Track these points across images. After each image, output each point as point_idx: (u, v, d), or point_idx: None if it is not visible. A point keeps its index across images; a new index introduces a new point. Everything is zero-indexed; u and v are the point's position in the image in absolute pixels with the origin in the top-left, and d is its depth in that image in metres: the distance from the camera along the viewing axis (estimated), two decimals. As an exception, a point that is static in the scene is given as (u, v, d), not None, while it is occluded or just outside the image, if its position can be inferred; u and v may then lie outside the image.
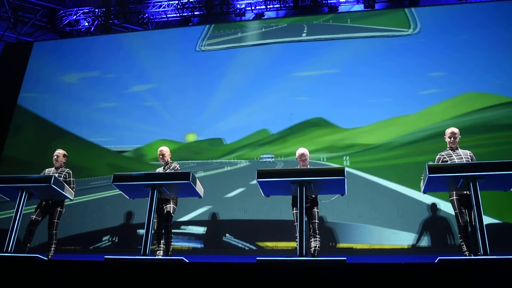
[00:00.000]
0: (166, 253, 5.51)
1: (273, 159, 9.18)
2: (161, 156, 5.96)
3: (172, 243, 5.58)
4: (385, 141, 8.77)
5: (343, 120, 9.22)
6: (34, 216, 5.69)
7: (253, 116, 9.54)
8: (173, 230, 5.64)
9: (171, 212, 5.65)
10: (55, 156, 6.05)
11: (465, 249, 4.92)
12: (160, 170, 5.97)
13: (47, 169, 6.09)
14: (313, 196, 5.43)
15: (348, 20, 10.22)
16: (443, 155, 5.27)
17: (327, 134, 9.22)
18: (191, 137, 9.64)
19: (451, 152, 5.25)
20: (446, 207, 7.44)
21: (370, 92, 9.13)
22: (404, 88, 9.04)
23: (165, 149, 6.01)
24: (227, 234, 8.35)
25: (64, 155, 6.12)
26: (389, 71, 9.21)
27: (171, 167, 5.91)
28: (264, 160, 9.17)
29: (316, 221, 5.41)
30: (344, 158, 8.78)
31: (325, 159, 8.88)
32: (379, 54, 9.44)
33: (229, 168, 9.26)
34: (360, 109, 9.13)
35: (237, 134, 9.52)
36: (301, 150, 5.67)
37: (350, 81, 9.35)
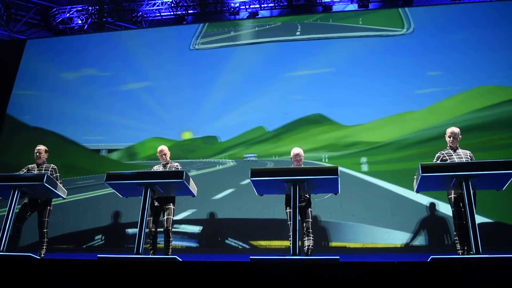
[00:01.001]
0: (166, 254, 5.49)
1: (256, 158, 9.17)
2: (163, 156, 5.92)
3: (171, 247, 5.57)
4: (393, 139, 8.65)
5: (343, 117, 9.06)
6: (21, 214, 5.60)
7: (248, 114, 9.49)
8: (159, 229, 5.62)
9: (172, 214, 5.64)
10: (37, 153, 5.94)
11: (459, 247, 4.96)
12: (158, 168, 5.94)
13: (30, 165, 5.97)
14: (308, 195, 5.44)
15: (334, 20, 10.26)
16: (443, 154, 5.31)
17: (326, 131, 9.03)
18: (187, 135, 9.61)
19: (451, 151, 5.29)
20: (440, 206, 7.49)
21: (367, 91, 9.08)
22: (401, 87, 8.99)
23: (166, 148, 5.98)
24: (220, 233, 8.34)
25: (46, 151, 6.00)
26: (385, 70, 9.19)
27: (174, 166, 5.88)
28: (248, 159, 9.15)
29: (310, 220, 5.42)
30: (362, 160, 8.60)
31: (326, 159, 8.75)
32: (374, 53, 9.43)
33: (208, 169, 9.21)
34: (359, 106, 9.02)
35: (232, 132, 9.45)
36: (296, 150, 5.65)
37: (346, 79, 9.30)
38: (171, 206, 5.65)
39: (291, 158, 5.68)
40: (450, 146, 5.34)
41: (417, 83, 8.96)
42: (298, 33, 10.13)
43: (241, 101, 9.67)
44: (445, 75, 8.90)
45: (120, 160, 9.69)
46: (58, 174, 5.90)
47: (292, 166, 5.66)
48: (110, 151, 9.87)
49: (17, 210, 5.51)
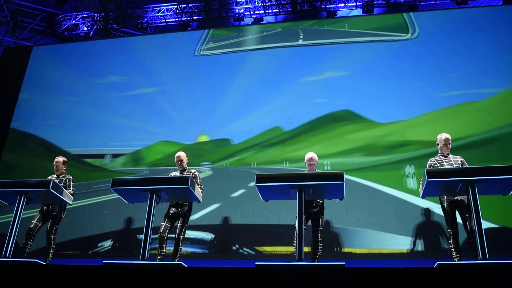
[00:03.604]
0: (173, 261, 5.46)
1: (211, 166, 9.02)
2: (179, 162, 5.85)
3: (179, 255, 5.55)
4: (470, 135, 7.65)
5: (376, 113, 8.15)
6: (34, 221, 5.71)
7: (265, 116, 9.24)
8: (170, 235, 5.60)
9: (186, 222, 5.61)
10: (55, 165, 6.08)
11: (455, 255, 4.95)
12: (175, 175, 5.89)
13: (49, 177, 6.10)
14: (320, 201, 5.41)
15: (346, 25, 10.16)
16: (434, 161, 5.28)
17: (358, 129, 8.07)
18: (203, 138, 9.48)
19: (442, 158, 5.26)
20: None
21: (390, 91, 8.70)
22: (425, 89, 8.69)
23: (183, 155, 5.91)
24: (226, 239, 8.33)
25: (64, 162, 6.15)
26: (389, 74, 9.09)
27: (191, 173, 5.77)
28: (204, 166, 9.07)
29: (321, 228, 5.38)
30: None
31: (414, 175, 7.39)
32: (379, 58, 9.35)
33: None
34: (388, 104, 8.34)
35: (247, 134, 9.20)
36: (310, 154, 5.64)
37: (363, 82, 9.01)
38: (187, 213, 5.61)
39: (305, 162, 5.67)
40: (441, 153, 5.31)
41: (439, 85, 8.72)
42: (300, 40, 10.07)
43: (256, 104, 9.51)
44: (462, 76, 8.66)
45: (125, 166, 9.67)
46: (71, 183, 6.01)
47: (306, 170, 5.64)
48: (115, 156, 9.85)
49: (30, 217, 5.69)
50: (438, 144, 5.34)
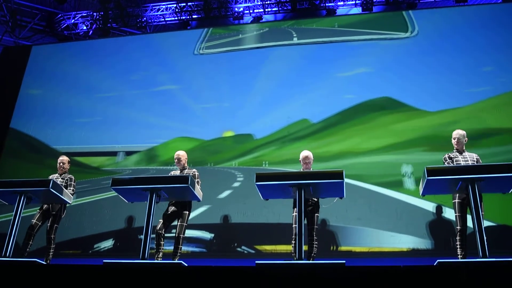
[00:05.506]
0: (173, 259, 5.44)
1: None
2: (176, 160, 5.84)
3: (179, 254, 5.52)
4: None
5: (421, 101, 7.15)
6: (34, 221, 5.71)
7: (288, 111, 8.86)
8: (170, 234, 5.59)
9: (186, 221, 5.58)
10: (60, 163, 6.08)
11: (460, 253, 4.94)
12: (175, 174, 5.87)
13: (50, 176, 6.10)
14: (315, 199, 5.39)
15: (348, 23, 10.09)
16: (451, 156, 5.27)
17: (406, 119, 6.99)
18: (229, 134, 9.22)
19: (458, 154, 5.25)
20: (446, 210, 7.44)
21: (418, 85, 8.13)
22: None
23: (182, 153, 5.89)
24: (225, 238, 8.33)
25: (68, 162, 6.17)
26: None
27: (190, 172, 5.71)
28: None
29: (316, 226, 5.36)
30: None
31: None
32: (391, 54, 9.21)
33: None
34: (429, 94, 7.46)
35: (270, 129, 8.82)
36: (306, 153, 5.57)
37: (375, 79, 8.65)
38: (187, 212, 5.58)
39: (300, 160, 5.62)
40: (456, 149, 5.31)
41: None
42: (295, 37, 9.99)
43: (279, 99, 9.23)
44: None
45: (138, 164, 9.48)
46: (73, 183, 6.02)
47: (301, 169, 5.60)
48: (128, 153, 9.62)
49: (30, 216, 5.70)
50: (452, 140, 5.32)
